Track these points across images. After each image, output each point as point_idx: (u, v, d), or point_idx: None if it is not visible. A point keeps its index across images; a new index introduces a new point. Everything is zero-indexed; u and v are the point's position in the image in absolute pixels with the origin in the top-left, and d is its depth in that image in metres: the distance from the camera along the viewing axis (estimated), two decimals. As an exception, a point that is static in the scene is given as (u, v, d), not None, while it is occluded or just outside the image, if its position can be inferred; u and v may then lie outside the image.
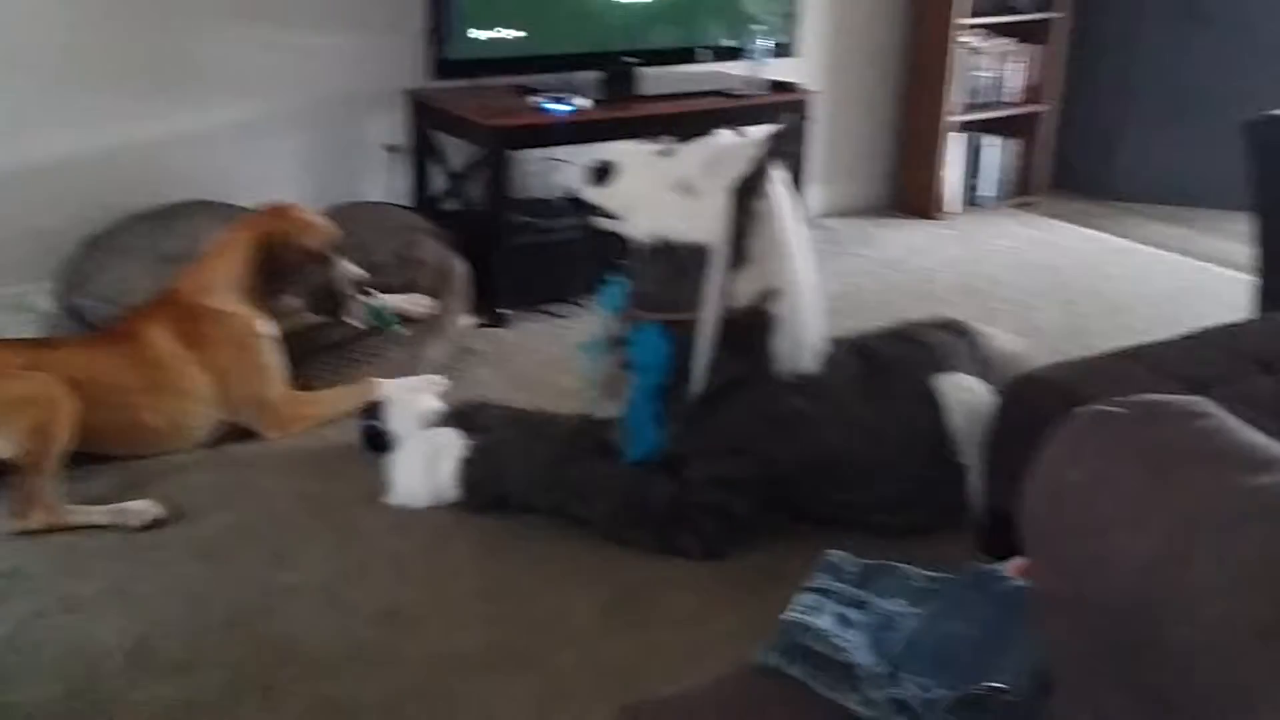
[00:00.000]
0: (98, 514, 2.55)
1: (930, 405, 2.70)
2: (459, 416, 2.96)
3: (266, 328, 3.11)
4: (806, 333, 2.64)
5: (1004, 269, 4.62)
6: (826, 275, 4.29)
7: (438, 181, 4.16)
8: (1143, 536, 0.90)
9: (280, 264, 3.10)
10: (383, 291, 3.39)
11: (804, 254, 2.65)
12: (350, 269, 3.23)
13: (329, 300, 3.20)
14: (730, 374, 2.61)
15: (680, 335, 2.60)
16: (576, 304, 3.87)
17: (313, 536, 2.69)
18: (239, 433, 3.09)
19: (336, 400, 3.19)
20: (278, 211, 3.18)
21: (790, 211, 2.63)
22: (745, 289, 2.60)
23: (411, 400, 3.04)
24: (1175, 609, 0.87)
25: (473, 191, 4.03)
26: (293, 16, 3.89)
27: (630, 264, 2.72)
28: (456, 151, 4.12)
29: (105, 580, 2.49)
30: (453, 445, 2.80)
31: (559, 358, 3.60)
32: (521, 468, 2.73)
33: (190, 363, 2.98)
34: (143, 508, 2.58)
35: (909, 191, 5.31)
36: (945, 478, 2.68)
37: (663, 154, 2.69)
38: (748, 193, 2.56)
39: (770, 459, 2.64)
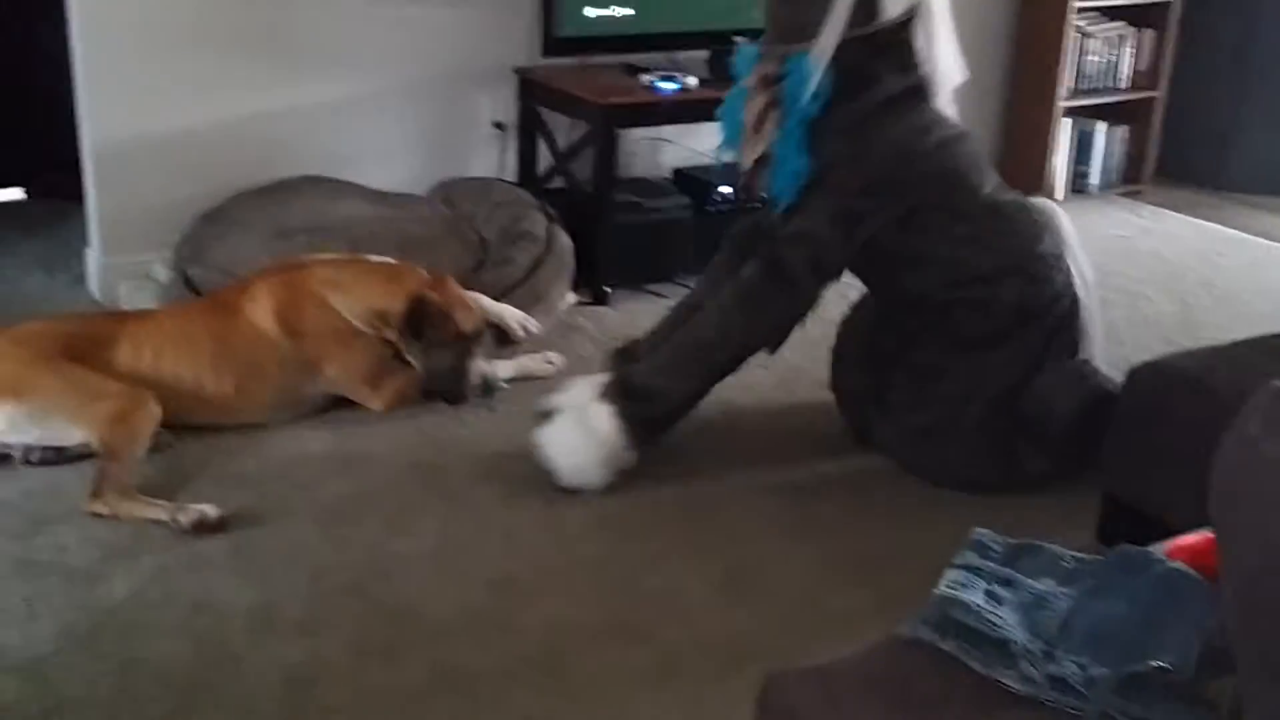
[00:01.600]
0: (156, 509, 2.57)
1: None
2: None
3: (367, 330, 3.06)
4: (953, 59, 2.77)
5: (1114, 258, 4.52)
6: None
7: (544, 159, 4.18)
8: (1348, 510, 0.88)
9: (424, 326, 3.02)
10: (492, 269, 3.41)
11: None
12: (483, 365, 3.16)
13: (449, 383, 3.09)
14: (892, 90, 2.69)
15: (835, 56, 2.63)
16: (680, 284, 3.85)
17: (426, 507, 2.71)
18: (349, 402, 3.13)
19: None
20: (440, 281, 3.11)
21: None
22: (895, 2, 2.66)
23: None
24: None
25: (579, 169, 4.04)
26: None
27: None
28: (563, 129, 4.13)
29: (227, 541, 2.54)
30: (600, 415, 2.74)
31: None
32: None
33: (286, 344, 3.00)
34: (201, 509, 2.55)
35: (1015, 176, 5.15)
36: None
37: None
38: None
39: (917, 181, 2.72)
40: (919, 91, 2.74)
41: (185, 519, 2.54)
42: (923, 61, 2.72)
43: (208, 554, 2.50)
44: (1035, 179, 5.10)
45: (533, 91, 4.06)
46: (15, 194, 4.70)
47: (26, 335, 2.84)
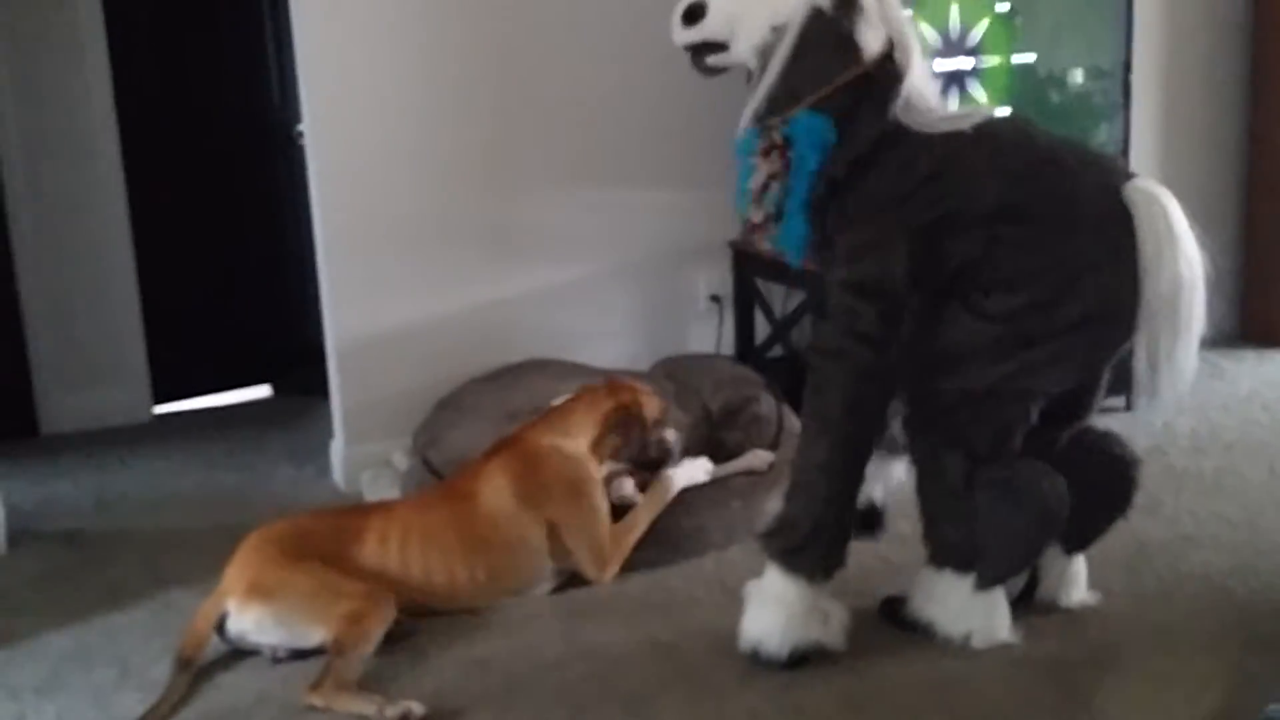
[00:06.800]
0: (365, 703, 2.58)
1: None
2: None
3: (599, 473, 3.22)
4: (930, 86, 2.65)
5: None
6: (1176, 410, 4.07)
7: (761, 329, 4.20)
8: None
9: (626, 429, 3.26)
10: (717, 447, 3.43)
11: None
12: (673, 434, 3.38)
13: (657, 458, 3.34)
14: (877, 130, 2.57)
15: (829, 107, 2.57)
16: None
17: (665, 688, 2.64)
18: (575, 579, 3.14)
19: (642, 516, 3.22)
20: (621, 385, 3.34)
21: None
22: (873, 38, 2.56)
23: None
24: None
25: (797, 337, 4.03)
26: (621, 179, 4.08)
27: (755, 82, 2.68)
28: (779, 298, 4.15)
29: (466, 730, 2.53)
30: (768, 574, 2.70)
31: (892, 498, 3.51)
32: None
33: (525, 517, 3.06)
34: (408, 705, 2.55)
35: (1259, 319, 4.92)
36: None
37: None
38: None
39: (917, 215, 2.56)
40: (898, 130, 2.59)
41: (391, 713, 2.56)
42: (900, 96, 2.59)
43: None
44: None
45: (746, 263, 4.10)
46: (263, 391, 5.01)
47: (278, 534, 2.94)
